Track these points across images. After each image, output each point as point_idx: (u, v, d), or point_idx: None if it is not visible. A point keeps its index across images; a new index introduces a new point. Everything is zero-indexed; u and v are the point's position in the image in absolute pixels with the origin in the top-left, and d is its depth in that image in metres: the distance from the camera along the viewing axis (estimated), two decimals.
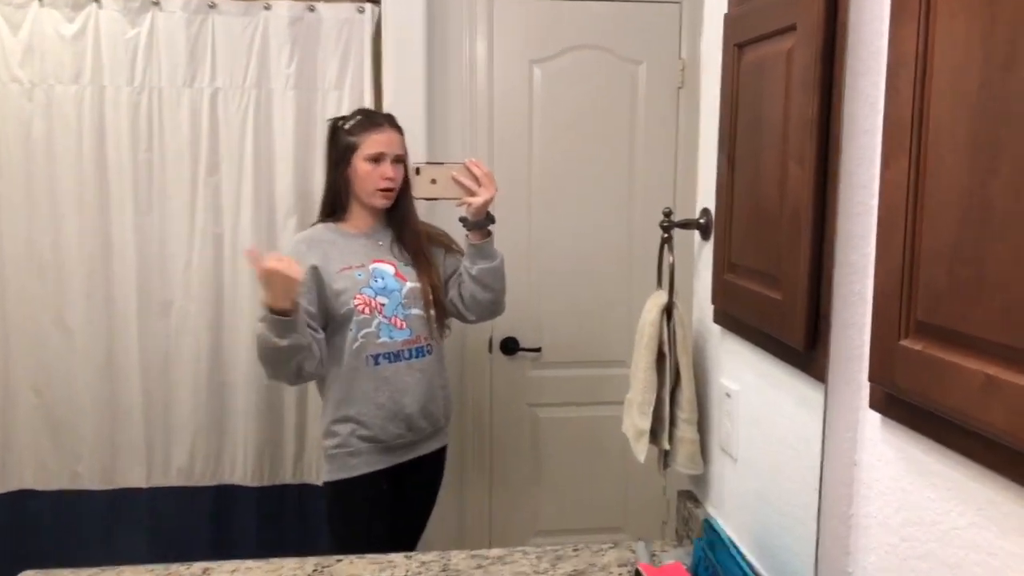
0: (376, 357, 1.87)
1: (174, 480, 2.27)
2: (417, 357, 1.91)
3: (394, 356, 1.88)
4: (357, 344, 1.86)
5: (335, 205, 1.94)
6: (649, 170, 2.55)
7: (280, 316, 1.66)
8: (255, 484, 2.29)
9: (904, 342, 0.81)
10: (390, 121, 1.95)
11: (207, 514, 2.28)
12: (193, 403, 2.27)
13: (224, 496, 2.28)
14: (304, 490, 2.30)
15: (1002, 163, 0.67)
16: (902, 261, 0.81)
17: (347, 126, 1.91)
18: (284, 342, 1.69)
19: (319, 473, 2.15)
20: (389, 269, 1.90)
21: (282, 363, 1.74)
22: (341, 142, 1.90)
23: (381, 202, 1.92)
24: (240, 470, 2.29)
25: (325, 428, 1.91)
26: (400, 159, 1.92)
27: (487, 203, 1.84)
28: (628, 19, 2.49)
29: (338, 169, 1.91)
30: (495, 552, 1.47)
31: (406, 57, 2.31)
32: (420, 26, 2.32)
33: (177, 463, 2.28)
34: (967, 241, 0.71)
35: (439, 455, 2.04)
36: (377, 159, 1.88)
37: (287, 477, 2.30)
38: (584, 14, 2.49)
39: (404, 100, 2.29)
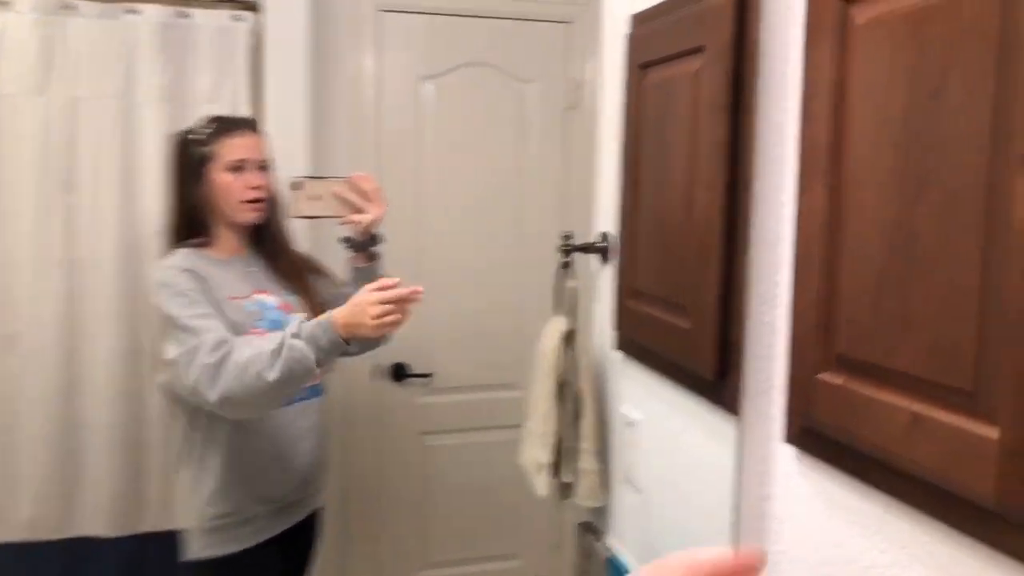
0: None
1: (17, 534, 2.02)
2: (311, 397, 1.63)
3: (300, 394, 1.59)
4: None
5: (190, 230, 1.60)
6: (540, 191, 2.51)
7: (345, 345, 1.39)
8: (113, 534, 2.07)
9: (824, 376, 0.78)
10: (249, 124, 1.68)
11: (57, 572, 2.04)
12: (42, 446, 2.03)
13: (77, 550, 2.05)
14: (171, 538, 2.10)
15: (929, 193, 0.65)
16: (821, 292, 0.79)
17: (198, 136, 1.60)
18: (318, 371, 1.42)
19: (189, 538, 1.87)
20: (272, 300, 1.61)
21: (287, 394, 1.45)
22: (193, 155, 1.59)
23: (250, 216, 1.61)
24: (96, 519, 2.06)
25: (208, 495, 1.53)
26: (265, 166, 1.63)
27: (376, 221, 1.64)
28: (518, 37, 2.46)
29: (191, 187, 1.58)
30: None
31: (289, 70, 2.18)
32: (303, 38, 2.20)
33: (22, 515, 2.03)
34: (892, 274, 0.69)
35: (320, 509, 1.77)
36: (239, 167, 1.58)
37: (151, 524, 2.09)
38: (475, 31, 2.44)
39: (286, 114, 2.16)
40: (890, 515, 0.74)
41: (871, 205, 0.71)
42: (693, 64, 1.02)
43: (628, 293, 1.22)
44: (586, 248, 1.38)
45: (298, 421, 1.60)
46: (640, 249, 1.19)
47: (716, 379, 0.99)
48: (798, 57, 0.83)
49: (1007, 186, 0.58)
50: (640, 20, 1.20)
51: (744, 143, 0.94)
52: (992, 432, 0.59)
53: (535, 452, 1.37)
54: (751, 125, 0.93)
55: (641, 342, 1.21)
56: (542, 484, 1.36)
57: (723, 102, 0.95)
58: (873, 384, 0.72)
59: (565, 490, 1.38)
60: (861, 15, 0.73)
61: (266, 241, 1.67)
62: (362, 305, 1.35)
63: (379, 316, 1.33)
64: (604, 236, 1.37)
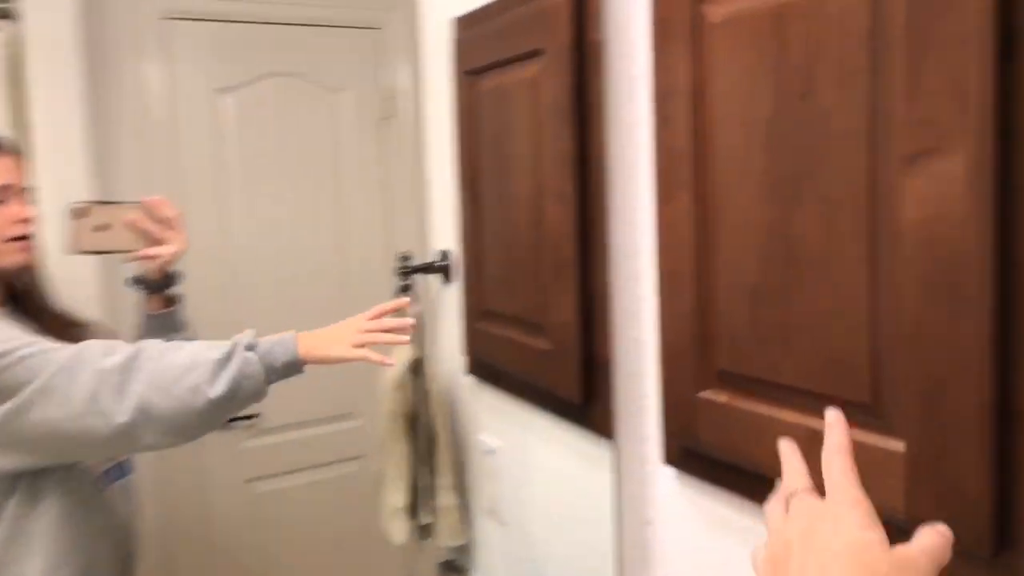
0: (107, 473, 1.27)
1: None
2: (128, 474, 1.33)
3: (116, 473, 1.30)
4: (84, 463, 1.22)
5: None
6: (364, 208, 2.37)
7: (300, 369, 1.13)
8: None
9: (705, 393, 0.74)
10: (6, 145, 1.30)
11: None
12: None
13: None
14: None
15: (807, 199, 0.61)
16: (695, 306, 0.74)
17: None
18: (264, 396, 1.14)
19: None
20: None
21: (221, 421, 1.14)
22: None
23: (18, 257, 1.26)
24: None
25: None
26: (29, 194, 1.29)
27: (179, 255, 1.38)
28: (326, 45, 2.31)
29: None
30: None
31: (58, 84, 1.90)
32: (74, 48, 1.93)
33: None
34: (772, 284, 0.65)
35: None
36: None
37: None
38: (276, 39, 2.26)
39: (58, 133, 1.88)
40: None
41: (743, 213, 0.68)
42: (530, 69, 0.96)
43: (478, 314, 1.14)
44: (426, 268, 1.29)
45: (118, 500, 1.28)
46: (488, 267, 1.11)
47: (583, 402, 0.93)
48: (648, 59, 0.79)
49: (891, 187, 0.55)
50: (465, 24, 1.13)
51: (593, 152, 0.88)
52: (898, 445, 0.56)
53: (388, 497, 1.25)
54: (599, 133, 0.87)
55: (496, 366, 1.13)
56: (399, 530, 1.25)
57: (567, 109, 0.89)
58: (762, 401, 0.68)
59: (424, 531, 1.28)
60: (715, 13, 0.69)
61: (29, 293, 1.29)
62: (348, 322, 1.13)
63: (363, 341, 1.09)
64: (444, 254, 1.28)
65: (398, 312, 1.10)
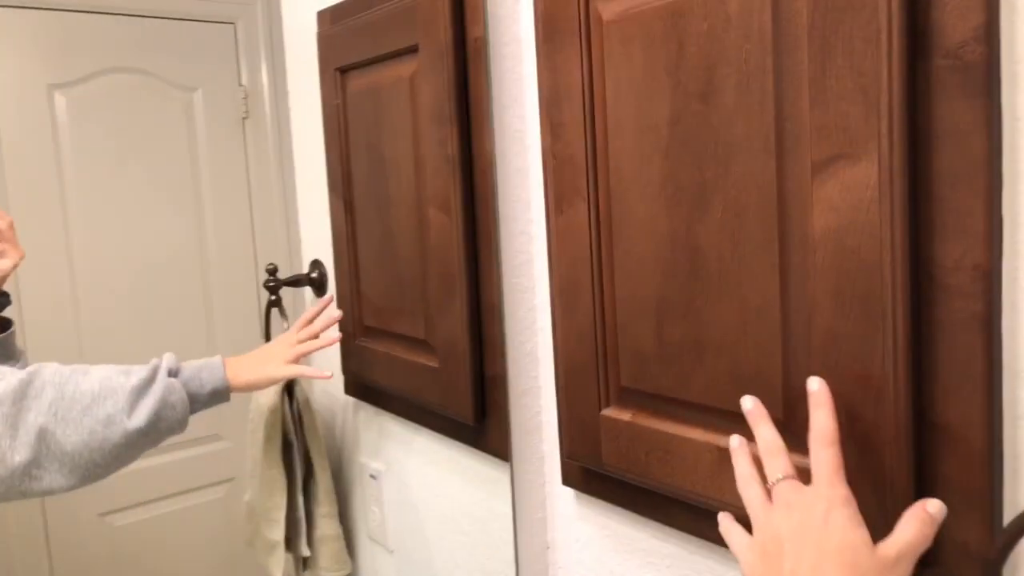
0: None
1: None
2: None
3: None
4: None
5: None
6: (224, 215, 2.22)
7: (226, 397, 1.00)
8: None
9: (607, 412, 0.70)
10: None
11: None
12: None
13: None
14: None
15: (712, 207, 0.59)
16: (593, 320, 0.70)
17: None
18: (184, 429, 1.00)
19: None
20: None
21: (135, 456, 0.98)
22: None
23: None
24: None
25: None
26: None
27: (10, 271, 1.22)
28: (175, 39, 2.14)
29: None
30: None
31: None
32: None
33: None
34: (676, 296, 0.62)
35: None
36: None
37: None
38: (117, 32, 2.07)
39: None
40: (698, 557, 0.68)
41: (644, 222, 0.64)
42: (407, 66, 0.89)
43: (356, 330, 1.06)
44: (296, 281, 1.19)
45: None
46: (366, 279, 1.03)
47: (476, 422, 0.87)
48: (533, 57, 0.74)
49: (801, 195, 0.53)
50: (331, 17, 1.05)
51: (479, 157, 0.83)
52: None
53: (263, 531, 1.15)
54: (485, 136, 0.82)
55: (378, 385, 1.06)
56: (277, 565, 1.15)
57: (448, 110, 0.83)
58: (668, 419, 0.65)
59: (305, 564, 1.19)
60: (607, 10, 0.65)
61: None
62: (276, 340, 1.02)
63: (297, 354, 0.99)
64: (316, 264, 1.19)
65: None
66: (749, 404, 0.53)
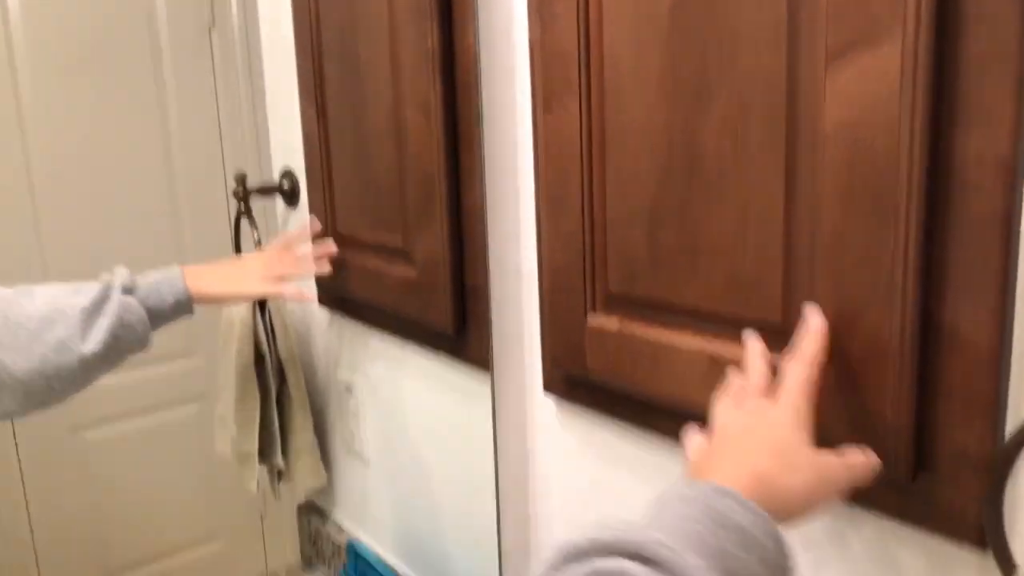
0: None
1: None
2: None
3: None
4: None
5: None
6: (191, 125, 2.12)
7: (189, 311, 0.93)
8: None
9: (593, 317, 0.68)
10: None
11: None
12: None
13: None
14: None
15: (715, 102, 0.55)
16: (581, 225, 0.67)
17: None
18: (148, 347, 0.92)
19: None
20: None
21: (95, 379, 0.92)
22: None
23: None
24: None
25: None
26: None
27: None
28: None
29: None
30: None
31: None
32: None
33: None
34: (673, 198, 0.59)
35: None
36: None
37: None
38: None
39: None
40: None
41: (640, 121, 0.60)
42: None
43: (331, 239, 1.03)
44: (266, 190, 1.14)
45: None
46: (340, 187, 0.99)
47: (456, 333, 0.85)
48: None
49: (814, 86, 0.49)
50: None
51: (461, 53, 0.78)
52: None
53: (236, 441, 1.14)
54: (468, 29, 0.77)
55: (353, 296, 1.03)
56: (251, 476, 1.14)
57: (428, 2, 0.78)
58: (658, 325, 0.63)
59: (280, 476, 1.18)
60: None
61: None
62: (253, 256, 1.00)
63: (278, 274, 0.96)
64: (287, 174, 1.14)
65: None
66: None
